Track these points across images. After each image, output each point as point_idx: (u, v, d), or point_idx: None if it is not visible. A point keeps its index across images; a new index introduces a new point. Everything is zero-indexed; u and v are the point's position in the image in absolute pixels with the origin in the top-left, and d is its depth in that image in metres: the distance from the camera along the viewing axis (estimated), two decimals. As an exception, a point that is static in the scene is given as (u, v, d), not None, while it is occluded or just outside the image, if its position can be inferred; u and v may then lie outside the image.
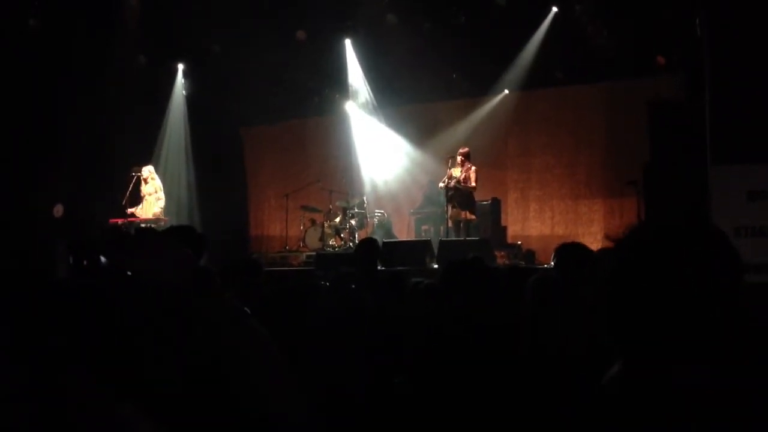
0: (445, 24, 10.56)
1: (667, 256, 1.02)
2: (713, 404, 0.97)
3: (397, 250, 8.43)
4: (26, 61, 9.78)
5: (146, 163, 10.50)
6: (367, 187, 12.15)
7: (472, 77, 11.25)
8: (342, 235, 10.56)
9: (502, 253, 9.38)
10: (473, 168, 9.11)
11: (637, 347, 1.03)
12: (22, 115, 9.88)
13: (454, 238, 8.87)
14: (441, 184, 9.21)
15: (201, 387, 1.55)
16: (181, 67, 12.46)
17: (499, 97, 11.43)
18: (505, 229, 10.84)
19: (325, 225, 10.79)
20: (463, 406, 2.09)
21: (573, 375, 1.87)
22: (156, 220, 9.89)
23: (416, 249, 8.50)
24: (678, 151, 7.71)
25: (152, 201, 10.09)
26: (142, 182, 10.11)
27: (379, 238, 8.68)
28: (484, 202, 10.12)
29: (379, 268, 5.74)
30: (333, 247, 10.50)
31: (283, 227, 11.93)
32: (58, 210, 10.57)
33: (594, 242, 9.56)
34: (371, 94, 12.03)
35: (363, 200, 11.03)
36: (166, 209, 10.30)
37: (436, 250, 8.36)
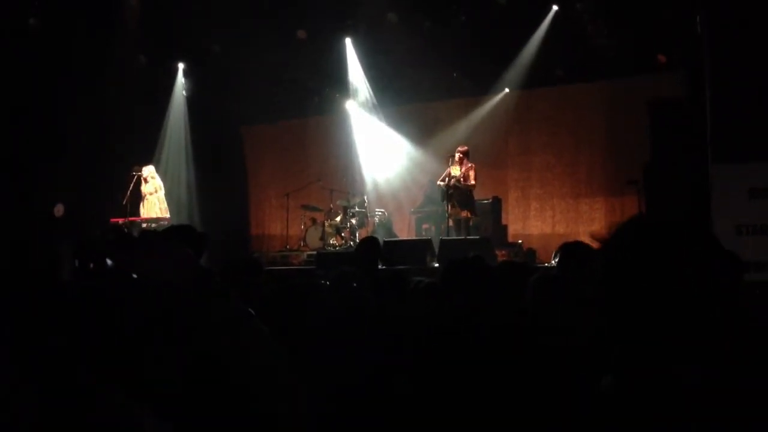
0: (446, 23, 10.55)
1: (666, 255, 1.02)
2: (713, 404, 0.97)
3: (398, 249, 8.43)
4: (26, 61, 9.78)
5: (147, 163, 10.51)
6: (368, 186, 12.16)
7: (472, 76, 11.25)
8: (343, 234, 10.57)
9: (503, 251, 9.38)
10: (472, 166, 9.11)
11: (636, 348, 1.03)
12: (22, 115, 9.88)
13: (454, 237, 8.87)
14: (441, 183, 9.21)
15: (206, 388, 1.55)
16: (181, 66, 12.46)
17: (500, 95, 11.43)
18: (505, 227, 10.84)
19: (326, 224, 10.79)
20: (463, 406, 2.09)
21: (575, 374, 1.87)
22: (158, 219, 9.90)
23: (417, 248, 8.50)
24: (679, 150, 7.71)
25: (153, 200, 10.10)
26: (143, 182, 10.11)
27: (380, 237, 8.68)
28: (485, 201, 10.13)
29: (379, 267, 5.73)
30: (334, 246, 10.51)
31: (283, 226, 11.93)
32: (59, 210, 10.58)
33: (595, 241, 9.53)
34: (372, 93, 12.02)
35: (363, 199, 11.03)
36: (167, 209, 10.31)
37: (436, 249, 8.36)
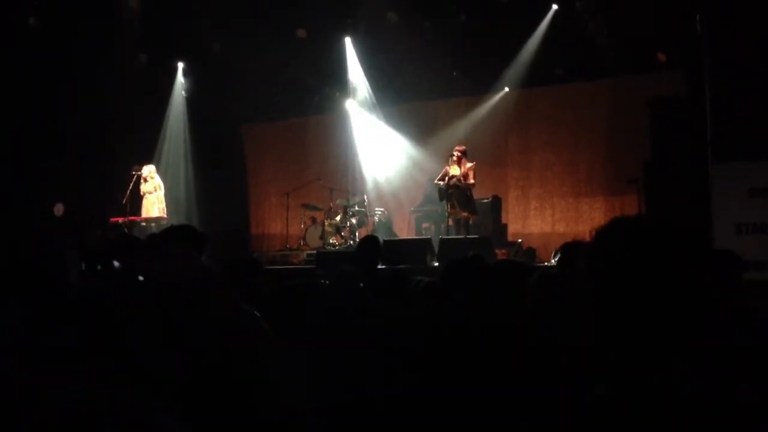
0: (446, 22, 10.55)
1: (663, 257, 1.02)
2: (711, 404, 0.97)
3: (398, 248, 8.42)
4: (26, 61, 9.78)
5: (147, 163, 10.51)
6: (368, 185, 12.16)
7: (472, 75, 11.24)
8: (342, 234, 10.56)
9: (503, 250, 9.37)
10: (473, 166, 9.10)
11: (634, 348, 1.03)
12: (22, 115, 9.88)
13: (454, 236, 8.87)
14: (441, 183, 9.20)
15: (213, 388, 1.56)
16: (181, 66, 12.46)
17: (500, 94, 11.42)
18: (505, 226, 10.83)
19: (326, 223, 10.79)
20: (464, 405, 2.09)
21: (575, 373, 1.87)
22: (157, 219, 9.89)
23: (417, 247, 8.50)
24: (679, 149, 7.71)
25: (152, 200, 10.10)
26: (142, 181, 10.11)
27: (380, 236, 8.68)
28: (485, 200, 10.12)
29: (379, 266, 5.73)
30: (333, 245, 10.50)
31: (283, 226, 11.93)
32: (59, 209, 10.58)
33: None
34: (371, 92, 12.02)
35: (363, 198, 11.03)
36: (166, 208, 10.31)
37: (436, 248, 8.36)
